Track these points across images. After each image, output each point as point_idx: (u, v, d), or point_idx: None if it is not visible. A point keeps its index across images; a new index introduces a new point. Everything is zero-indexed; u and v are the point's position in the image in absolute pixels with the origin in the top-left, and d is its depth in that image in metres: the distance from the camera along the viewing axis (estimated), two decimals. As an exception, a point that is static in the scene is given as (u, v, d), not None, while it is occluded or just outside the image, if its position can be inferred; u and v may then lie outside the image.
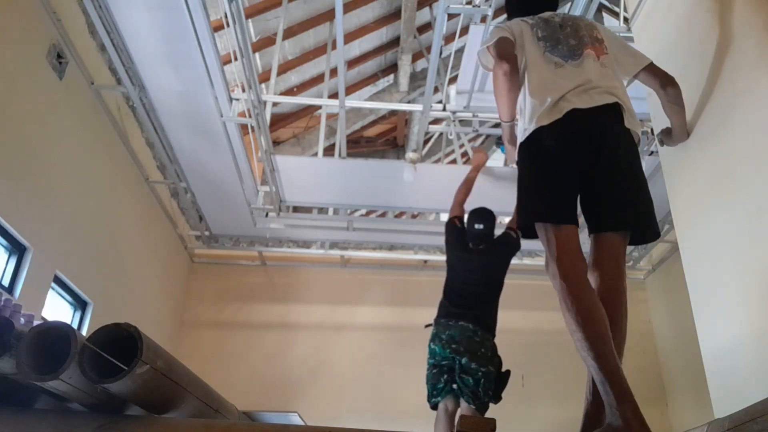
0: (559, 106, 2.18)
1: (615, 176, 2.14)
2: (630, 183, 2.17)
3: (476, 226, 3.78)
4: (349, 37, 6.34)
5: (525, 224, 2.18)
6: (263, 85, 5.49)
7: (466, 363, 3.29)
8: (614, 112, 2.21)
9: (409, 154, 5.61)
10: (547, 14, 2.51)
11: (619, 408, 1.69)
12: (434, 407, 3.44)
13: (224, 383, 3.34)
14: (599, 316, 1.86)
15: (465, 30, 4.63)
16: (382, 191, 6.06)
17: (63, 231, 4.32)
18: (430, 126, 5.45)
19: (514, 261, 3.83)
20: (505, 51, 2.34)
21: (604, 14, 6.48)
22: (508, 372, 3.47)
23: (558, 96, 2.19)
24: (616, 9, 3.83)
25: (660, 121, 3.30)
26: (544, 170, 2.16)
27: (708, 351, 2.70)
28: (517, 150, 2.31)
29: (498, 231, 3.89)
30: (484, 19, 4.06)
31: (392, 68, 7.30)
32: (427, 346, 3.52)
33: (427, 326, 3.63)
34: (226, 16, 4.01)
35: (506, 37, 2.40)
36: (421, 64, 7.19)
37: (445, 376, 3.37)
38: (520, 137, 2.27)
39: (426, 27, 6.54)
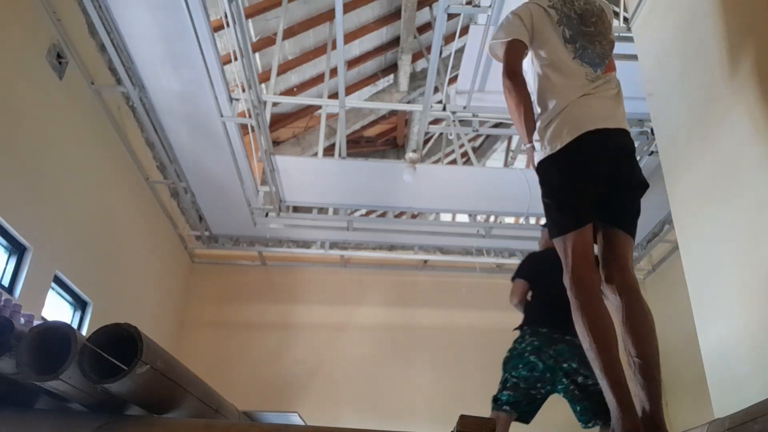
0: (587, 126, 2.16)
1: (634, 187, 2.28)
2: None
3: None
4: (349, 37, 6.34)
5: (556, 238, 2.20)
6: (263, 85, 5.48)
7: (583, 381, 3.01)
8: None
9: (409, 155, 5.61)
10: None
11: (621, 418, 1.80)
12: (497, 409, 3.06)
13: (224, 383, 3.34)
14: (606, 325, 1.94)
15: (465, 30, 4.63)
16: (382, 191, 6.06)
17: (63, 231, 4.31)
18: (430, 126, 5.45)
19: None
20: (512, 65, 2.28)
21: (604, 14, 6.48)
22: None
23: (591, 121, 2.17)
24: (617, 9, 3.83)
25: (660, 122, 3.30)
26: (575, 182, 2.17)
27: (708, 351, 2.70)
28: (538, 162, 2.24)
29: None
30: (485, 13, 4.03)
31: (392, 68, 7.29)
32: (519, 356, 3.14)
33: (515, 330, 3.30)
34: (226, 16, 4.01)
35: (520, 42, 2.28)
36: (421, 64, 7.18)
37: (533, 404, 3.04)
38: (544, 152, 2.19)
39: (426, 27, 6.54)
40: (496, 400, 3.09)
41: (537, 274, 3.44)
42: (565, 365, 3.04)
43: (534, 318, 3.25)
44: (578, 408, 3.02)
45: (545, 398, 3.11)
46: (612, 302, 2.13)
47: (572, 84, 2.20)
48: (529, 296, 3.44)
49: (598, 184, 2.14)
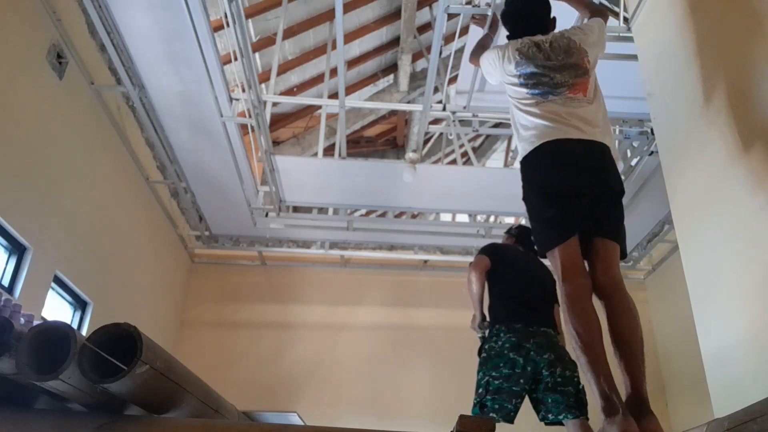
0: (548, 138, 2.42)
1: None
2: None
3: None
4: (349, 37, 6.34)
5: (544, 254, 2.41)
6: (263, 85, 5.49)
7: (561, 371, 3.03)
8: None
9: (409, 155, 5.61)
10: (538, 38, 2.60)
11: (605, 407, 1.96)
12: (484, 416, 2.93)
13: (224, 383, 3.34)
14: (592, 324, 2.12)
15: (465, 30, 4.63)
16: (382, 191, 6.06)
17: (63, 231, 4.32)
18: (430, 126, 5.45)
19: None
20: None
21: (604, 14, 6.47)
22: None
23: (551, 133, 2.41)
24: (616, 9, 3.83)
25: (660, 122, 3.30)
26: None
27: (708, 351, 2.70)
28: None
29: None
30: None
31: (392, 68, 7.30)
32: (498, 354, 3.10)
33: (485, 332, 3.30)
34: (226, 16, 4.01)
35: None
36: (421, 64, 7.19)
37: (518, 400, 3.01)
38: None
39: (426, 27, 6.54)
40: (482, 407, 3.04)
41: (500, 268, 3.44)
42: (545, 356, 3.06)
43: (504, 317, 3.25)
44: (550, 400, 3.02)
45: (526, 393, 3.12)
46: (599, 300, 2.27)
47: (539, 121, 2.46)
48: (487, 296, 3.43)
49: (574, 199, 2.33)
